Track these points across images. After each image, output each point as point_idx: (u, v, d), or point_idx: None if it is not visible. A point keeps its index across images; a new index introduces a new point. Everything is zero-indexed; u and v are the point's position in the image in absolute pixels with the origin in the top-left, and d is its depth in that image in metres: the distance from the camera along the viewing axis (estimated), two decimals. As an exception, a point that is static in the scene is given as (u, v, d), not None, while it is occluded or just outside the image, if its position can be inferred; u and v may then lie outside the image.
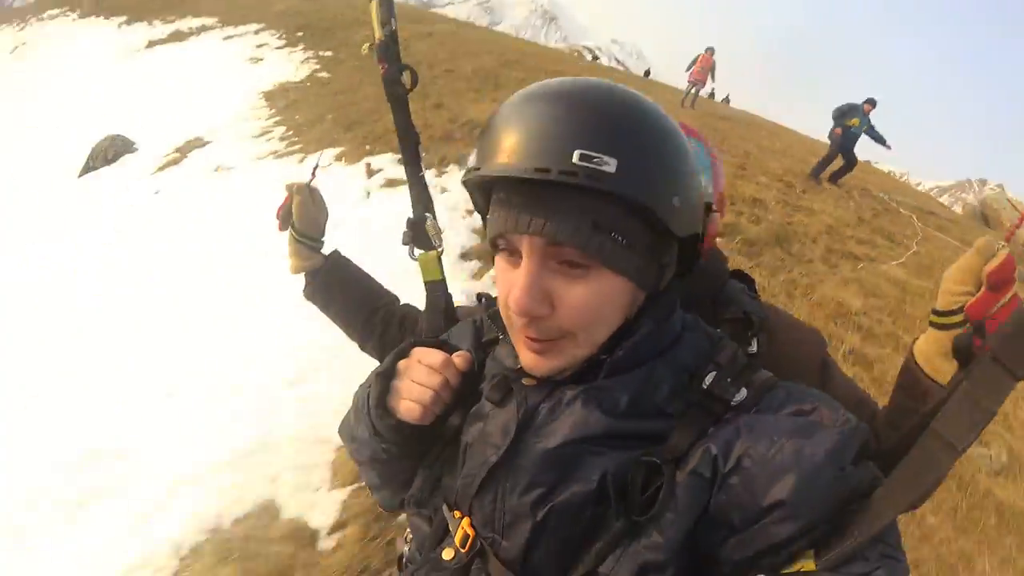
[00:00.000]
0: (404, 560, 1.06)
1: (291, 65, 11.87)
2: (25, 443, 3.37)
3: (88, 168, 7.82)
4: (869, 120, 9.76)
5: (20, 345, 4.42)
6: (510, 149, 0.74)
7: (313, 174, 1.46)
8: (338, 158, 6.71)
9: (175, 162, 7.62)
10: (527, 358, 0.83)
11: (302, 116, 8.41)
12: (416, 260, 1.36)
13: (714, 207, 1.28)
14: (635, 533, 0.75)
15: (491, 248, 0.85)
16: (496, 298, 0.90)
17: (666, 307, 0.85)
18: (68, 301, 4.99)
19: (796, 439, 0.72)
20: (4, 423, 3.62)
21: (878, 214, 8.88)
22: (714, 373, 0.81)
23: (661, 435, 0.78)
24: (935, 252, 7.66)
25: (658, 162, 0.76)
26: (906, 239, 7.83)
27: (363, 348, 1.50)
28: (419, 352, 0.93)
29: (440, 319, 1.31)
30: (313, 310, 1.50)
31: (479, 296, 1.12)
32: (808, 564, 0.69)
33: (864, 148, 10.09)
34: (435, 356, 0.91)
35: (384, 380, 0.92)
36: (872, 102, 9.88)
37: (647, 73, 37.38)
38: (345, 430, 1.04)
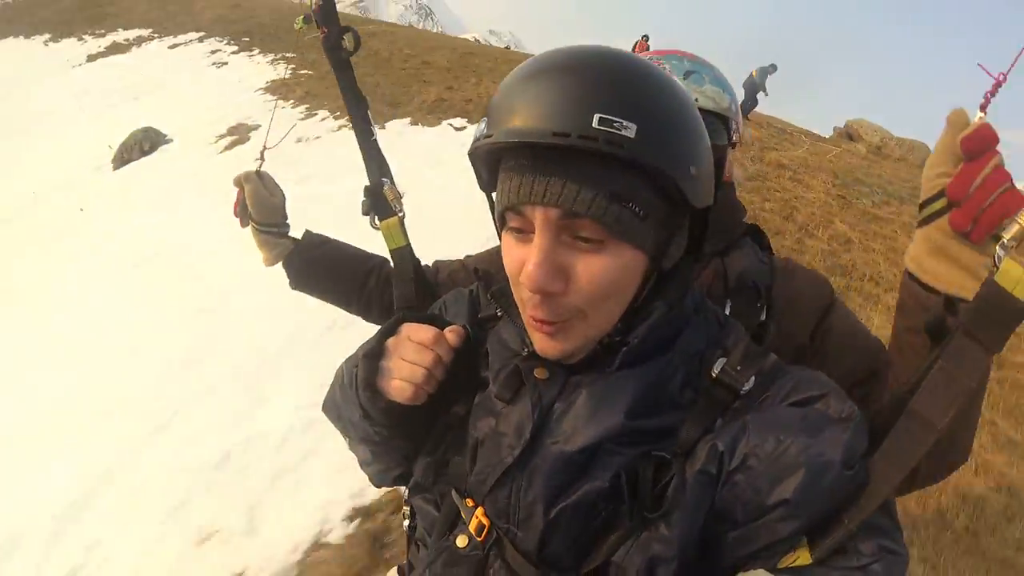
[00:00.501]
0: (415, 538, 1.02)
1: (263, 66, 12.56)
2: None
3: (124, 160, 8.48)
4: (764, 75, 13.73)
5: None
6: (525, 114, 0.70)
7: (261, 157, 1.43)
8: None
9: (240, 142, 8.52)
10: (538, 340, 0.80)
11: (331, 102, 9.35)
12: (378, 229, 1.33)
13: (734, 138, 1.28)
14: (646, 527, 0.76)
15: (497, 224, 0.82)
16: (495, 274, 0.90)
17: (679, 288, 0.82)
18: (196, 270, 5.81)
19: (803, 437, 0.71)
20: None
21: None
22: (723, 360, 0.79)
23: (672, 429, 0.78)
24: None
25: (676, 129, 0.73)
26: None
27: (368, 319, 1.44)
28: (408, 328, 0.87)
29: (410, 287, 1.29)
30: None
31: (476, 271, 1.00)
32: (803, 555, 0.70)
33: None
34: (425, 332, 0.86)
35: (372, 360, 0.86)
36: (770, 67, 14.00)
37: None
38: (331, 408, 1.01)
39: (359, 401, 0.87)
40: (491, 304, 0.93)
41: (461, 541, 0.84)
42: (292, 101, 9.81)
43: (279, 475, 3.28)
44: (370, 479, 1.08)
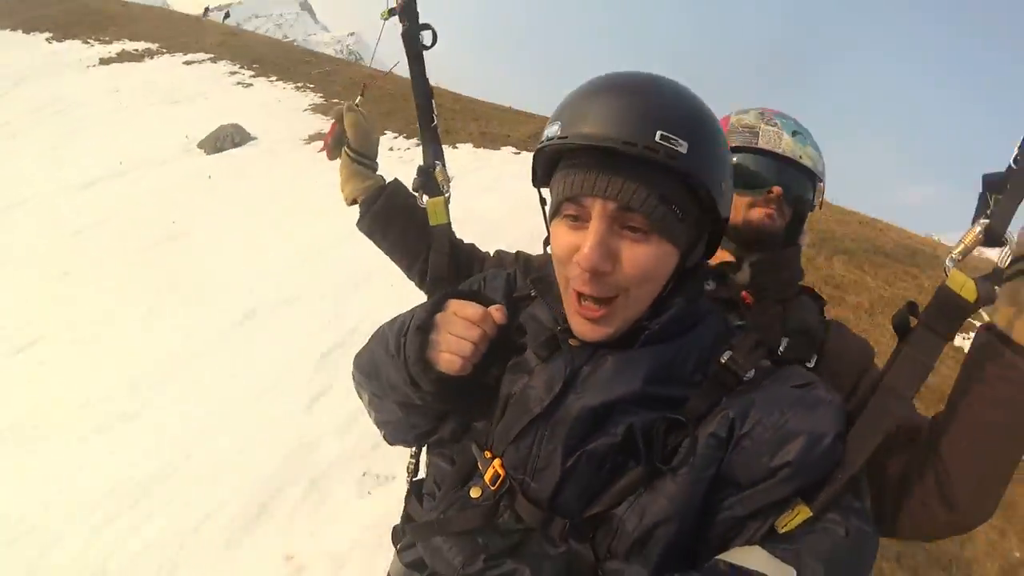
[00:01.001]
0: (423, 493, 1.15)
1: (291, 91, 14.39)
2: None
3: (216, 148, 10.10)
4: None
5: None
6: (596, 122, 0.86)
7: (362, 92, 1.56)
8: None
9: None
10: (580, 326, 0.96)
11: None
12: (424, 206, 1.44)
13: (818, 200, 1.52)
14: (651, 482, 0.89)
15: (549, 214, 0.99)
16: (531, 259, 1.06)
17: (695, 289, 1.01)
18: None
19: (802, 411, 0.89)
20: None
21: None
22: (729, 353, 0.96)
23: (682, 400, 0.92)
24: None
25: (716, 149, 0.91)
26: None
27: (421, 286, 1.54)
28: (455, 305, 0.99)
29: (445, 260, 1.40)
30: None
31: (517, 256, 1.23)
32: (803, 511, 0.85)
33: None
34: (473, 310, 0.98)
35: (422, 334, 0.97)
36: None
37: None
38: (366, 366, 1.11)
39: (408, 371, 0.98)
40: (526, 286, 1.10)
41: (475, 492, 0.97)
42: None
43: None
44: (385, 436, 1.21)
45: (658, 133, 0.84)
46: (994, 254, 0.96)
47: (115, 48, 17.82)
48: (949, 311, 0.87)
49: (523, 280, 1.14)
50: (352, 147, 1.53)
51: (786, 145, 1.48)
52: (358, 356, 1.15)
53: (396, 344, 1.02)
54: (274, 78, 15.59)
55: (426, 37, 1.44)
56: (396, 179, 1.52)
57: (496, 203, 7.44)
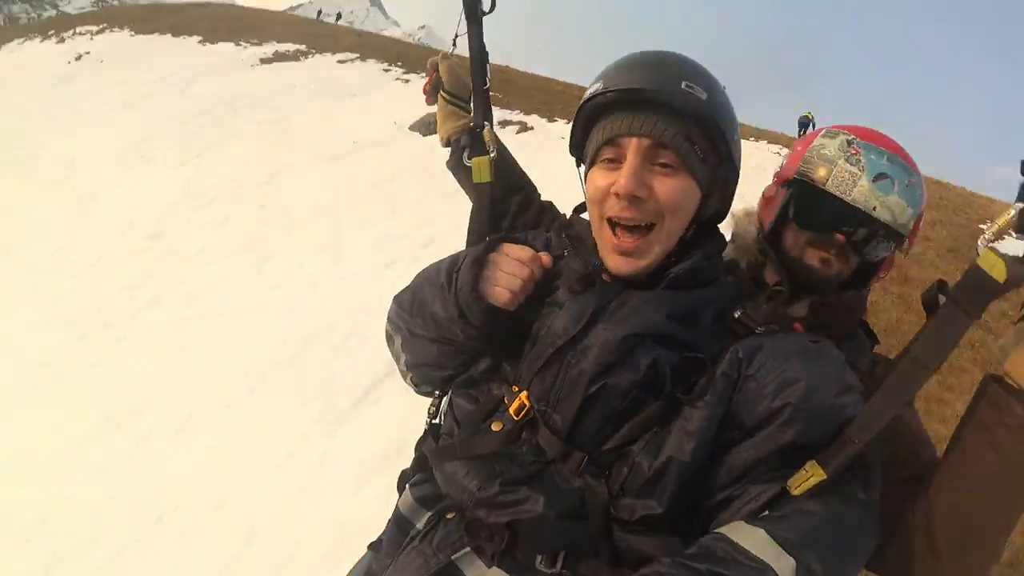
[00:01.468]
0: (439, 432, 1.20)
1: None
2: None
3: (431, 131, 11.19)
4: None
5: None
6: (631, 78, 1.02)
7: (454, 43, 1.66)
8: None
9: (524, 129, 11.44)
10: (615, 261, 1.04)
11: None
12: (469, 164, 1.48)
13: (902, 248, 1.41)
14: (667, 420, 0.95)
15: (587, 164, 1.11)
16: (566, 220, 1.21)
17: (713, 246, 1.12)
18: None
19: (805, 359, 0.95)
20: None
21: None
22: (742, 310, 1.05)
23: (698, 345, 0.99)
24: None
25: (728, 104, 1.06)
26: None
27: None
28: (508, 247, 1.09)
29: (485, 214, 1.44)
30: None
31: (556, 215, 1.50)
32: (816, 472, 0.87)
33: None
34: (524, 251, 1.09)
35: (477, 268, 1.05)
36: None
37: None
38: (408, 303, 1.17)
39: (458, 301, 1.04)
40: (561, 244, 1.18)
41: (496, 426, 1.02)
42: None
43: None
44: (411, 380, 1.27)
45: (683, 83, 1.00)
46: None
47: (267, 49, 19.06)
48: (978, 289, 0.88)
49: (558, 239, 1.21)
50: (447, 90, 1.68)
51: (859, 193, 1.31)
52: (398, 295, 1.21)
53: (448, 277, 1.08)
54: (421, 73, 16.55)
55: (486, 4, 1.51)
56: (486, 124, 1.55)
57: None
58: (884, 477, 0.99)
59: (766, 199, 1.50)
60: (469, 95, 1.58)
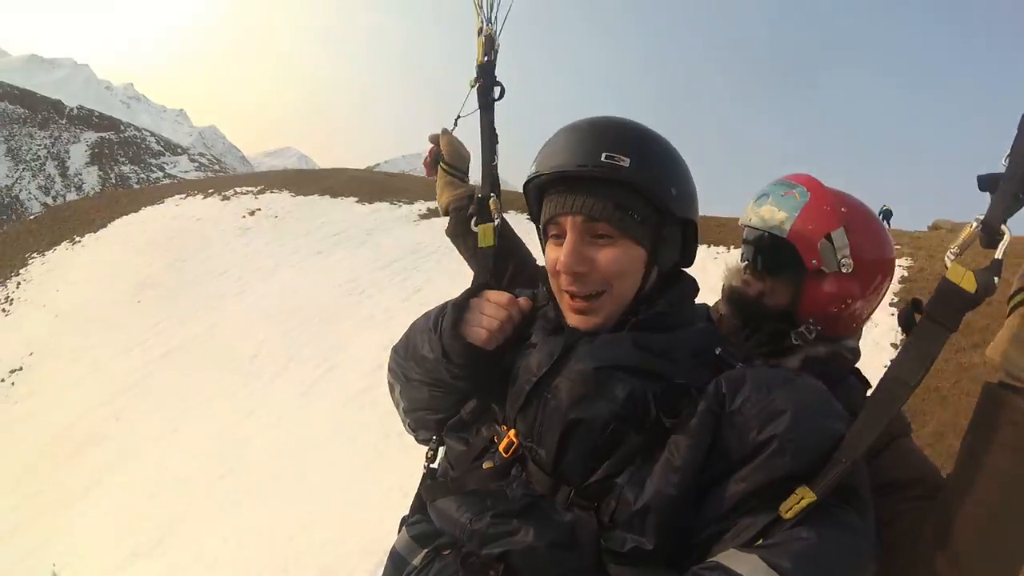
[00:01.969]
0: (436, 474, 1.24)
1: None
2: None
3: None
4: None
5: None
6: (558, 156, 1.07)
7: (455, 124, 1.77)
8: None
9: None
10: (573, 319, 1.10)
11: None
12: (476, 229, 1.58)
13: (817, 264, 1.35)
14: (651, 450, 0.96)
15: (542, 238, 1.16)
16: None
17: (679, 294, 1.14)
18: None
19: (788, 390, 0.95)
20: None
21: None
22: (721, 348, 1.07)
23: (679, 375, 1.01)
24: None
25: (658, 161, 1.07)
26: None
27: None
28: (489, 292, 1.18)
29: (487, 276, 1.53)
30: None
31: (539, 272, 1.46)
32: (807, 495, 0.87)
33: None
34: (503, 296, 1.16)
35: (458, 311, 1.14)
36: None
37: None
38: (402, 349, 1.25)
39: (440, 340, 1.12)
40: (543, 295, 1.22)
41: (487, 464, 1.06)
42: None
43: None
44: (411, 428, 1.32)
45: (603, 155, 1.04)
46: None
47: (420, 207, 20.48)
48: (951, 302, 0.89)
49: (543, 293, 1.25)
50: (447, 162, 1.80)
51: (744, 216, 1.51)
52: (395, 345, 1.29)
53: (435, 322, 1.17)
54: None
55: (496, 92, 1.66)
56: (493, 195, 1.62)
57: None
58: (895, 497, 1.09)
59: None
60: (467, 166, 1.79)
